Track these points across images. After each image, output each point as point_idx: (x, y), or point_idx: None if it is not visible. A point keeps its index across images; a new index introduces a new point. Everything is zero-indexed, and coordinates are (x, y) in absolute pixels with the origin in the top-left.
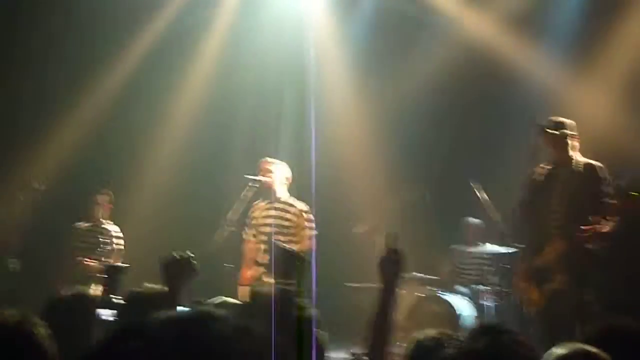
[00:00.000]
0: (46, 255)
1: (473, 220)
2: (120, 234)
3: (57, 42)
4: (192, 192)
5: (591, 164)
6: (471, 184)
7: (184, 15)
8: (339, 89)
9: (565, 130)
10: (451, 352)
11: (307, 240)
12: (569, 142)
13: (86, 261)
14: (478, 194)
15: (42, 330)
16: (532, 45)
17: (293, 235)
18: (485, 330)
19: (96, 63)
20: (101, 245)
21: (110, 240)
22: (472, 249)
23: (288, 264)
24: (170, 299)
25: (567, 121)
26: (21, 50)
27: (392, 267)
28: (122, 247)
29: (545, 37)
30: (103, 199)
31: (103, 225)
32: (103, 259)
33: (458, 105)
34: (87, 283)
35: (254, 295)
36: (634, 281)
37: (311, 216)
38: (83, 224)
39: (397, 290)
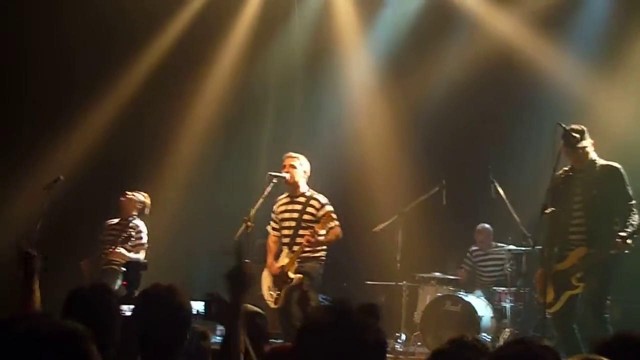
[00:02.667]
0: (69, 248)
1: (481, 225)
2: (145, 230)
3: (80, 36)
4: (216, 188)
5: (610, 165)
6: (492, 183)
7: (209, 9)
8: (363, 87)
9: (578, 139)
10: None
11: (332, 232)
12: (584, 149)
13: (111, 249)
14: (500, 193)
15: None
16: (557, 47)
17: (313, 228)
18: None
19: (120, 57)
20: (131, 239)
21: (138, 234)
22: (491, 250)
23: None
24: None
25: (579, 127)
26: (43, 45)
27: None
28: (145, 242)
29: (571, 39)
30: (125, 196)
31: (131, 220)
32: (130, 251)
33: (481, 106)
34: (109, 278)
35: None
36: None
37: (331, 207)
38: (113, 220)
39: None
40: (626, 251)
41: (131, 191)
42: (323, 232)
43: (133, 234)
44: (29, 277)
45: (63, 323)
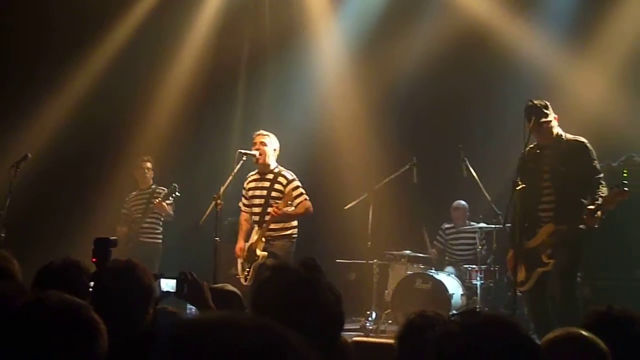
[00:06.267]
0: (37, 226)
1: (458, 202)
2: (164, 190)
3: (51, 9)
4: (187, 165)
5: (576, 140)
6: (463, 162)
7: None
8: (333, 66)
9: (541, 114)
10: (442, 331)
11: (300, 205)
12: (547, 123)
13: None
14: (471, 172)
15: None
16: (528, 25)
17: (281, 205)
18: (479, 314)
19: (90, 33)
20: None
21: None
22: (463, 228)
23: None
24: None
25: (542, 102)
26: (11, 19)
27: None
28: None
29: (542, 16)
30: (147, 164)
31: (151, 187)
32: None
33: (452, 83)
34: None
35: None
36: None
37: (298, 183)
38: (133, 192)
39: None
40: (595, 226)
41: (145, 161)
42: (289, 209)
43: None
44: None
45: (66, 296)
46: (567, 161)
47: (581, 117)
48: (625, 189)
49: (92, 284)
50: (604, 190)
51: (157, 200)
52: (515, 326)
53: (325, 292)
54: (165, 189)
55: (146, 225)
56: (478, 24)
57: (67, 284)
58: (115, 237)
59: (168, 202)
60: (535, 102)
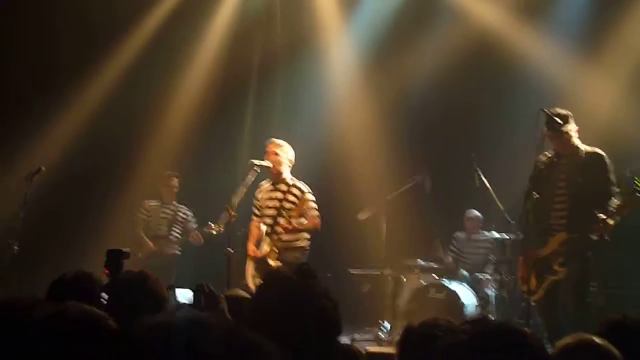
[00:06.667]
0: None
1: (472, 212)
2: (191, 213)
3: (63, 21)
4: (199, 176)
5: (594, 152)
6: (476, 171)
7: None
8: (345, 74)
9: (562, 123)
10: (444, 341)
11: (311, 220)
12: (568, 133)
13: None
14: (483, 181)
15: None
16: (539, 33)
17: (294, 216)
18: (484, 321)
19: (102, 45)
20: (174, 224)
21: (185, 219)
22: (476, 237)
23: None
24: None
25: (564, 112)
26: (26, 31)
27: None
28: (195, 225)
29: (552, 24)
30: (175, 182)
31: (174, 203)
32: (176, 236)
33: (464, 93)
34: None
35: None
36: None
37: (312, 197)
38: (153, 201)
39: None
40: (607, 237)
41: (172, 177)
42: (302, 220)
43: (181, 219)
44: None
45: (86, 307)
46: (584, 172)
47: (592, 125)
48: (638, 193)
49: (104, 295)
50: (615, 202)
51: (193, 235)
52: (524, 335)
53: (320, 298)
54: (190, 212)
55: (170, 238)
56: (488, 33)
57: (80, 295)
58: (127, 249)
59: (195, 227)
60: (558, 110)
